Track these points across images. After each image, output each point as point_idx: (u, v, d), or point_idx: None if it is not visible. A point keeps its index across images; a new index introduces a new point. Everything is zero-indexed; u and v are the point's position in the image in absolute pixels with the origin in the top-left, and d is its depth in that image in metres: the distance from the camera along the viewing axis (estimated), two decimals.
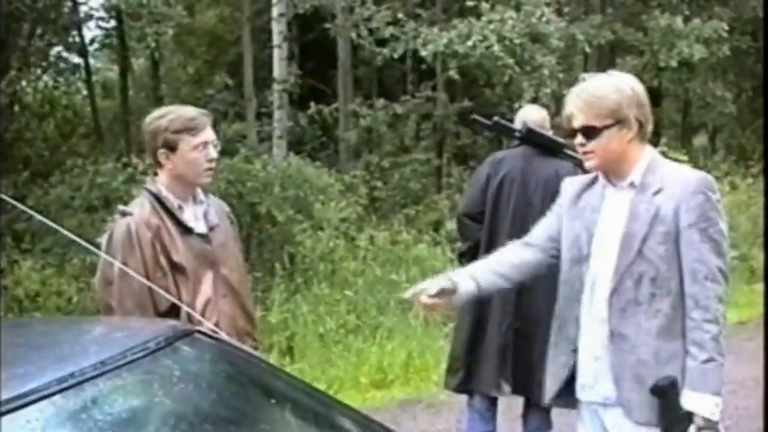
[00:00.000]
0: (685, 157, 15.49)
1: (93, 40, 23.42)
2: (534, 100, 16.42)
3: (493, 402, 7.09)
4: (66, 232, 4.58)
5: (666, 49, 18.67)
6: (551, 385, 4.38)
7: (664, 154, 13.23)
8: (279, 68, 19.72)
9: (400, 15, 17.28)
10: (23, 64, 21.18)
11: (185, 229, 4.73)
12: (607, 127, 3.99)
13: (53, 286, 13.57)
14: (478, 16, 16.68)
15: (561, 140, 7.11)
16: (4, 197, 4.28)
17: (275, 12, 19.22)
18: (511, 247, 4.49)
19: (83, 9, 21.58)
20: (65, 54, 24.05)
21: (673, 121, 26.77)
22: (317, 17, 19.23)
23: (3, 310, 13.22)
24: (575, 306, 4.18)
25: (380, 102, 19.58)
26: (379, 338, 11.66)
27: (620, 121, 3.99)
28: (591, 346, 4.14)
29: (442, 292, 4.10)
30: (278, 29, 19.52)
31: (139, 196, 4.86)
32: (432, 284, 4.13)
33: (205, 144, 4.72)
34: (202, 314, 4.61)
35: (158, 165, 4.79)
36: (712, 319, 3.96)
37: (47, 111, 23.85)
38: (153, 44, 16.93)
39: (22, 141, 20.43)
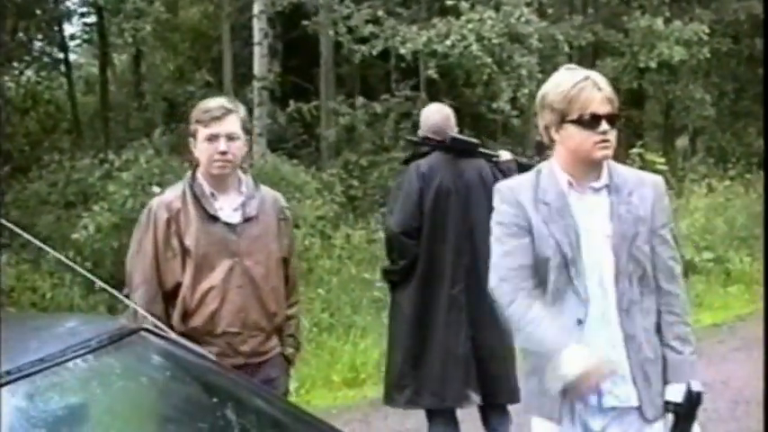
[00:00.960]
0: (662, 159, 15.55)
1: (72, 36, 23.40)
2: (513, 100, 16.48)
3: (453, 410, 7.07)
4: (37, 242, 4.54)
5: (647, 51, 18.71)
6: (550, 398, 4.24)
7: (641, 156, 13.23)
8: (259, 66, 19.70)
9: (380, 13, 17.26)
10: (5, 59, 21.13)
11: (210, 216, 4.85)
12: (619, 117, 4.05)
13: (28, 282, 13.53)
14: (458, 15, 16.68)
15: (474, 140, 7.10)
16: None
17: (256, 9, 19.19)
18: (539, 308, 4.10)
19: (65, 4, 21.55)
20: (48, 49, 24.04)
21: (655, 123, 26.82)
22: (301, 14, 19.20)
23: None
24: (571, 311, 4.06)
25: (360, 100, 19.53)
26: (352, 337, 11.65)
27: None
28: (601, 351, 4.03)
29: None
30: (258, 26, 19.50)
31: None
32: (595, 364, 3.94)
33: (215, 136, 4.81)
34: (201, 300, 4.80)
35: (192, 153, 4.99)
36: (688, 313, 4.12)
37: (29, 105, 23.78)
38: (130, 40, 16.91)
39: (2, 136, 20.36)
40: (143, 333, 3.54)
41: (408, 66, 18.80)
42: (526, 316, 3.99)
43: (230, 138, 4.82)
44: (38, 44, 23.86)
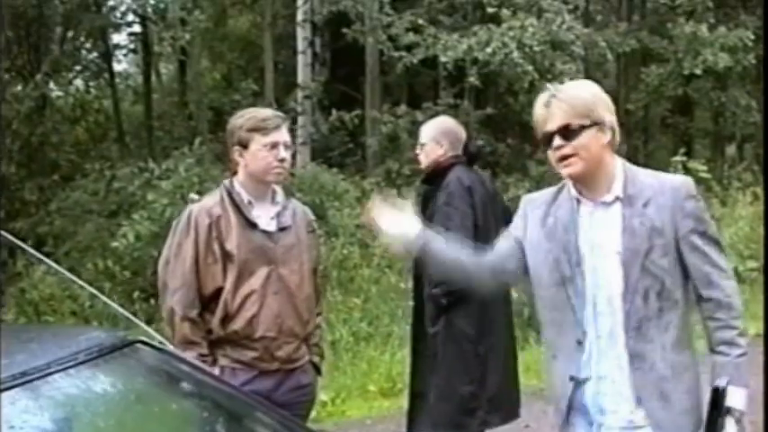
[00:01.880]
0: (704, 167, 15.38)
1: (117, 46, 23.54)
2: None
3: None
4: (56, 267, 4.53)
5: (691, 58, 18.54)
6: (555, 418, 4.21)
7: (684, 164, 13.06)
8: (303, 74, 19.74)
9: (421, 22, 17.22)
10: (54, 68, 21.28)
11: (249, 224, 4.94)
12: (585, 127, 3.85)
13: (67, 291, 13.59)
14: (500, 23, 16.61)
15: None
16: None
17: (299, 17, 19.23)
18: (469, 250, 4.30)
19: (112, 14, 21.67)
20: (98, 59, 24.22)
21: (706, 131, 26.55)
22: (348, 23, 19.20)
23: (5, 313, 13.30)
24: (570, 332, 3.99)
25: (403, 108, 19.49)
26: (390, 347, 11.60)
27: (596, 123, 3.86)
28: (604, 370, 3.97)
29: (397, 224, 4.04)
30: (302, 35, 19.56)
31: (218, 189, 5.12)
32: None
33: (275, 144, 4.91)
34: (242, 304, 4.88)
35: (234, 162, 5.04)
36: (738, 316, 3.90)
37: (78, 115, 23.95)
38: (169, 48, 16.98)
39: (49, 145, 20.52)
40: (138, 345, 3.49)
41: (455, 74, 18.75)
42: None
43: (286, 146, 4.95)
44: (86, 54, 24.02)
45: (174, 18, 17.38)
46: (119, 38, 23.32)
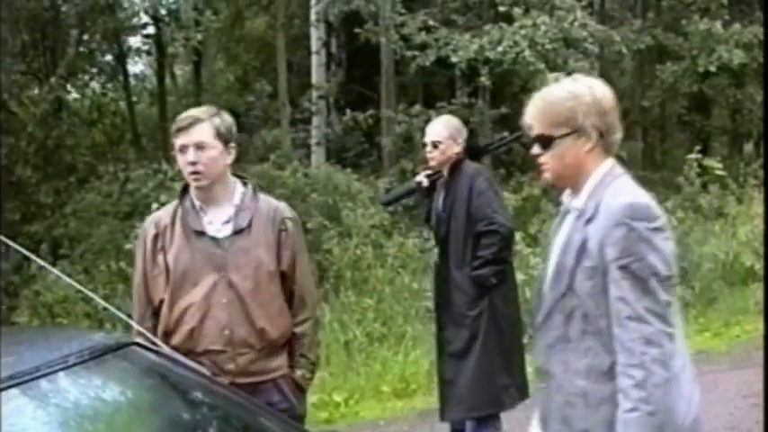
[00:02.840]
0: (719, 165, 15.32)
1: (129, 48, 23.58)
2: None
3: None
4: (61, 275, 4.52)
5: (706, 55, 18.45)
6: None
7: (699, 162, 12.95)
8: (317, 75, 19.78)
9: (432, 22, 17.21)
10: (69, 71, 21.34)
11: (194, 232, 4.72)
12: (562, 136, 3.66)
13: (80, 293, 13.60)
14: (511, 22, 16.59)
15: None
16: None
17: (313, 17, 19.26)
18: None
19: (123, 16, 21.71)
20: (113, 61, 24.27)
21: (725, 128, 26.45)
22: (362, 24, 19.21)
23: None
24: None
25: (417, 108, 19.49)
26: (404, 347, 11.57)
27: (576, 131, 3.65)
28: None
29: None
30: (316, 35, 19.59)
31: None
32: None
33: (183, 147, 4.67)
34: (180, 317, 4.65)
35: None
36: (637, 364, 3.52)
37: (94, 117, 24.02)
38: (182, 49, 17.03)
39: (65, 148, 20.57)
40: (134, 347, 3.46)
41: (469, 74, 18.73)
42: None
43: (199, 147, 4.65)
44: (101, 56, 24.06)
45: (187, 19, 17.42)
46: (133, 40, 23.36)
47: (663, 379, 3.52)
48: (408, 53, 17.49)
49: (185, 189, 4.83)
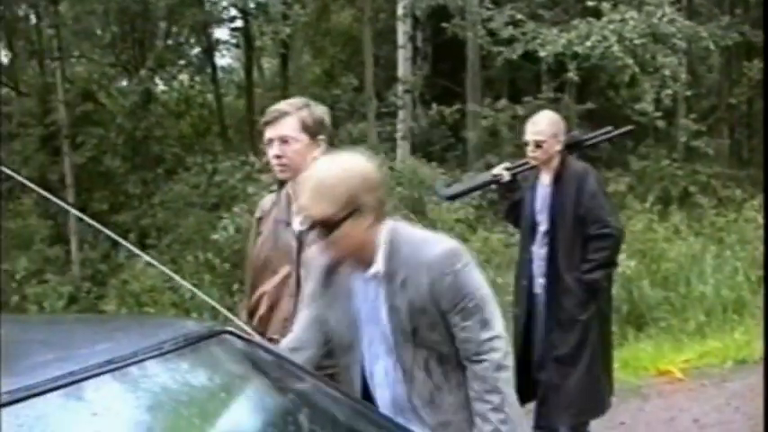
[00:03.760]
0: None
1: (218, 41, 23.79)
2: (656, 101, 16.18)
3: None
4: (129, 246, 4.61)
5: None
6: None
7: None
8: (403, 68, 19.81)
9: (520, 16, 17.15)
10: (158, 63, 21.61)
11: (283, 221, 4.82)
12: (344, 219, 3.74)
13: (168, 282, 13.79)
14: (600, 16, 16.48)
15: None
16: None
17: (400, 11, 19.29)
18: None
19: (213, 9, 21.91)
20: (201, 54, 24.52)
21: None
22: (449, 18, 19.20)
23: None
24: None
25: (503, 102, 19.46)
26: None
27: (357, 210, 3.74)
28: None
29: None
30: (402, 29, 19.61)
31: None
32: None
33: (269, 141, 4.77)
34: (257, 303, 4.84)
35: None
36: (491, 389, 3.79)
37: (183, 109, 24.30)
38: (270, 43, 17.17)
39: (153, 139, 20.84)
40: (227, 335, 3.49)
41: (556, 68, 18.66)
42: None
43: (283, 141, 4.72)
44: (189, 49, 24.33)
45: (275, 13, 17.55)
46: (221, 33, 23.58)
47: (514, 398, 3.90)
48: (495, 48, 17.43)
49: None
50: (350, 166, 3.80)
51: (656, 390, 10.01)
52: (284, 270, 4.74)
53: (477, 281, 3.87)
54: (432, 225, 14.67)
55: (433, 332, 3.82)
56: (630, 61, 15.83)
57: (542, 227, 7.25)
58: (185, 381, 3.14)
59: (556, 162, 7.18)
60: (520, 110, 18.77)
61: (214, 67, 24.28)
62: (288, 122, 4.74)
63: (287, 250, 4.74)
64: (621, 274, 11.84)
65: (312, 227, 3.81)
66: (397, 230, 3.87)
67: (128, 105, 20.15)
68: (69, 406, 2.71)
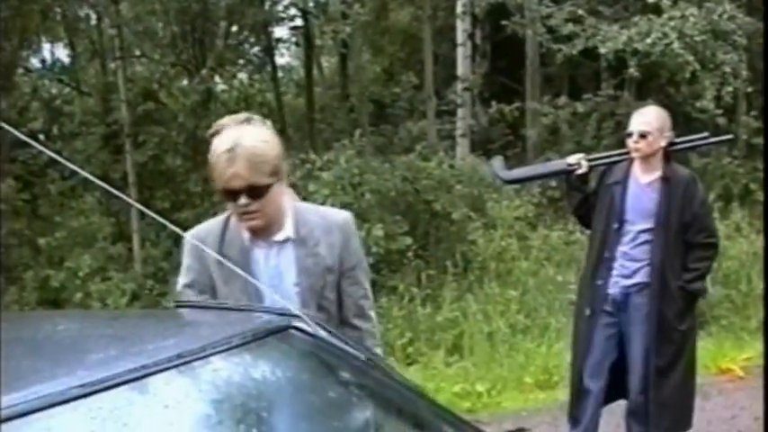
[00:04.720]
0: None
1: (279, 40, 23.86)
2: (717, 99, 16.06)
3: None
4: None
5: None
6: None
7: None
8: (462, 67, 19.79)
9: (580, 12, 17.08)
10: (218, 62, 21.72)
11: None
12: (270, 185, 3.99)
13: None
14: (660, 13, 16.38)
15: None
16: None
17: (459, 9, 19.28)
18: None
19: (273, 8, 21.99)
20: (261, 53, 24.62)
21: None
22: (508, 15, 19.17)
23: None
24: None
25: (563, 99, 19.40)
26: (547, 339, 11.56)
27: (278, 177, 4.03)
28: None
29: None
30: (462, 27, 19.61)
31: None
32: None
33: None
34: None
35: None
36: (379, 344, 4.46)
37: (242, 108, 24.36)
38: (330, 42, 17.23)
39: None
40: (293, 331, 3.52)
41: (615, 65, 18.58)
42: None
43: None
44: (249, 48, 24.43)
45: (335, 12, 17.62)
46: (281, 32, 23.66)
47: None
48: (555, 45, 17.37)
49: None
50: (268, 135, 4.07)
51: (718, 388, 9.99)
52: None
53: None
54: (491, 223, 14.71)
55: (333, 292, 4.23)
56: (691, 58, 15.69)
57: (634, 227, 7.07)
58: (253, 376, 3.17)
59: (656, 160, 7.05)
60: (580, 107, 18.74)
61: (274, 66, 24.36)
62: None
63: None
64: None
65: (239, 195, 3.97)
66: (295, 199, 4.34)
67: (188, 104, 20.26)
68: (142, 399, 2.76)
